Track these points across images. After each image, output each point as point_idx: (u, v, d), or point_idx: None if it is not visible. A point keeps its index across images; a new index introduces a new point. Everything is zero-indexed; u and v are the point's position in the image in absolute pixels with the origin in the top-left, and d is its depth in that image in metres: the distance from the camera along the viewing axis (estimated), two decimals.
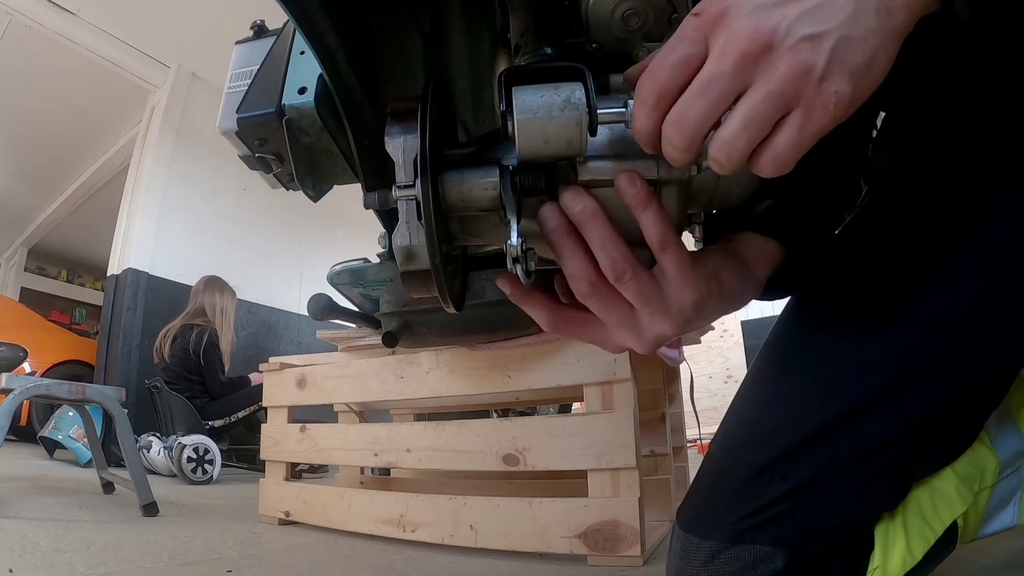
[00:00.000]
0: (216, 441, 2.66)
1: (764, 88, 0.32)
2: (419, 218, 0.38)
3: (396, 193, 0.38)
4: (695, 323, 0.43)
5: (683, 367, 1.57)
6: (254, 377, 3.07)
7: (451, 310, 0.43)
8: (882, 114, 0.56)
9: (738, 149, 0.33)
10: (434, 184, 0.37)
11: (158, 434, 2.74)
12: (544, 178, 0.39)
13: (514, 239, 0.37)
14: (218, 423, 2.91)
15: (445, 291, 0.40)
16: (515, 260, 0.38)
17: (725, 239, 0.48)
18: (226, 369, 3.04)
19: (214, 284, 3.21)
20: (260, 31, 0.80)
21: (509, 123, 0.36)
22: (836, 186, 0.55)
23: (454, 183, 0.39)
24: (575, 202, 0.39)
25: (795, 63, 0.31)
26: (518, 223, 0.38)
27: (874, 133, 0.58)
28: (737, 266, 0.45)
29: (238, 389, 3.03)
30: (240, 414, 2.99)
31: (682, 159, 0.34)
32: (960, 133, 0.49)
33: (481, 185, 0.39)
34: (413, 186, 0.37)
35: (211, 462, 2.48)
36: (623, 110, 0.36)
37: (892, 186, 0.55)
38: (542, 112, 0.35)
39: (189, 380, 2.93)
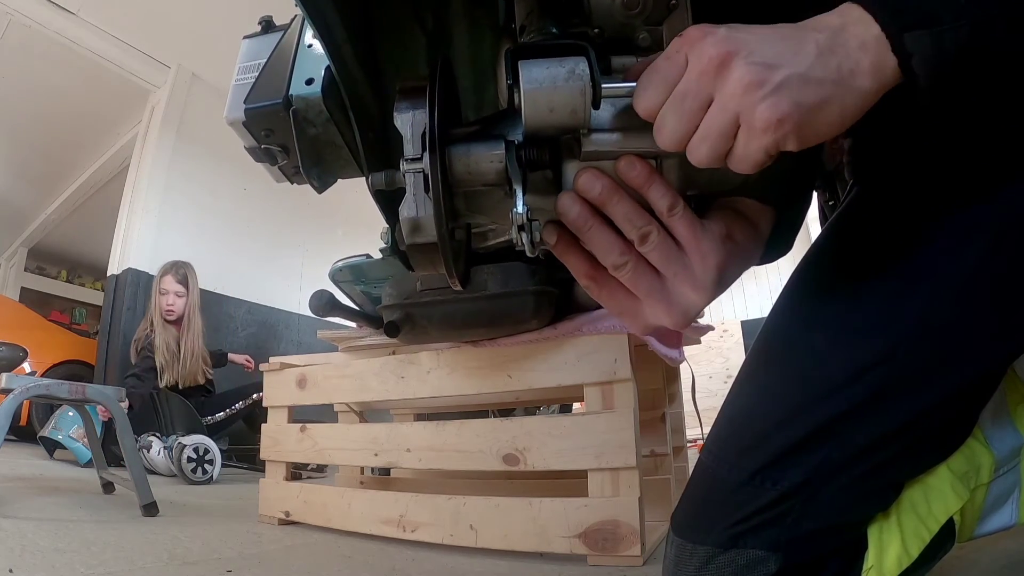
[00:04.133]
0: (216, 439, 2.66)
1: (718, 101, 0.36)
2: (426, 190, 0.38)
3: (404, 167, 0.39)
4: (720, 288, 0.45)
5: (683, 367, 1.56)
6: (232, 356, 3.27)
7: (456, 286, 0.44)
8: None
9: (703, 154, 0.37)
10: (442, 156, 0.38)
11: (158, 434, 2.74)
12: (548, 151, 0.40)
13: (519, 207, 0.38)
14: (219, 416, 2.92)
15: (451, 264, 0.41)
16: (520, 228, 0.38)
17: (721, 203, 0.49)
18: (154, 377, 2.96)
19: (158, 276, 3.13)
20: (268, 26, 0.80)
21: (516, 95, 0.38)
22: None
23: (461, 156, 0.40)
24: (593, 185, 0.41)
25: (745, 79, 0.35)
26: (524, 193, 0.38)
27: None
28: (745, 222, 0.47)
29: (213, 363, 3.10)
30: (238, 405, 3.00)
31: (672, 151, 0.39)
32: (946, 136, 0.49)
33: (487, 158, 0.40)
34: (421, 159, 0.38)
35: (211, 462, 2.48)
36: (625, 85, 0.38)
37: (878, 182, 0.55)
38: (547, 82, 0.37)
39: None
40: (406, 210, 0.39)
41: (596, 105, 0.37)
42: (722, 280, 0.44)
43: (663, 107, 0.37)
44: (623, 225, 0.42)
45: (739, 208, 0.48)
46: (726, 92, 0.35)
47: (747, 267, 0.48)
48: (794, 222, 0.52)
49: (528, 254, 0.40)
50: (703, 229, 0.43)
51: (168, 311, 2.99)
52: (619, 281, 0.45)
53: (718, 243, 0.43)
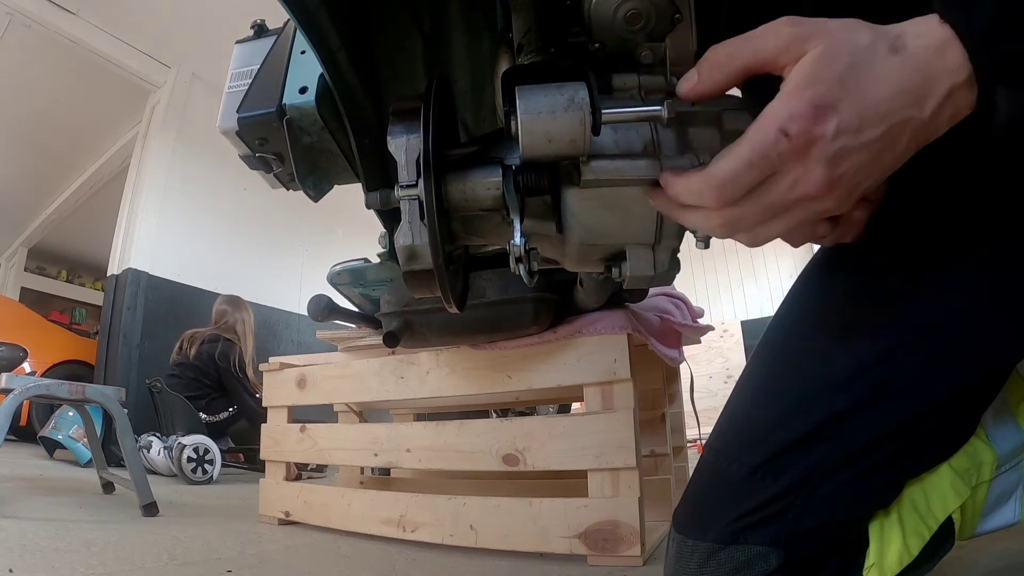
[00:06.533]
0: (219, 438, 2.67)
1: (817, 208, 0.37)
2: (422, 218, 0.37)
3: (399, 193, 0.38)
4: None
5: (683, 367, 1.56)
6: None
7: (453, 310, 0.43)
8: None
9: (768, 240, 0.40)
10: (437, 184, 0.37)
11: (158, 434, 2.74)
12: (547, 178, 0.39)
13: (517, 239, 0.37)
14: (223, 415, 2.95)
15: (448, 291, 0.40)
16: (518, 260, 0.38)
17: None
18: (250, 376, 3.08)
19: (239, 303, 3.35)
20: (260, 31, 0.80)
21: (513, 123, 0.36)
22: None
23: (457, 183, 0.39)
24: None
25: (828, 204, 0.36)
26: (521, 222, 0.38)
27: None
28: None
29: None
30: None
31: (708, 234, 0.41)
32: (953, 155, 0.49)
33: (484, 184, 0.39)
34: (416, 186, 0.37)
35: (211, 462, 2.48)
36: (627, 110, 0.37)
37: (887, 189, 0.55)
38: (546, 112, 0.35)
39: (200, 383, 2.97)
40: (402, 238, 0.38)
41: (596, 132, 0.36)
42: None
43: (748, 204, 0.37)
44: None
45: None
46: (808, 210, 0.37)
47: None
48: None
49: (527, 283, 0.40)
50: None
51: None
52: None
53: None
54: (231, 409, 3.00)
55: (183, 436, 2.55)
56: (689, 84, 0.39)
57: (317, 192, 0.73)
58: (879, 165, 0.36)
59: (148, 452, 2.58)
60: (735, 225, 0.38)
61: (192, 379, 2.96)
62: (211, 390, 3.00)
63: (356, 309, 1.22)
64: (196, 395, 2.91)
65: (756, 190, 0.36)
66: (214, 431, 2.81)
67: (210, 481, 2.46)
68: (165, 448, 2.57)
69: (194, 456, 2.44)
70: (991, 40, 0.33)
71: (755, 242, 0.39)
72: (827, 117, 0.34)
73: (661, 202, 0.40)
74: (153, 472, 2.51)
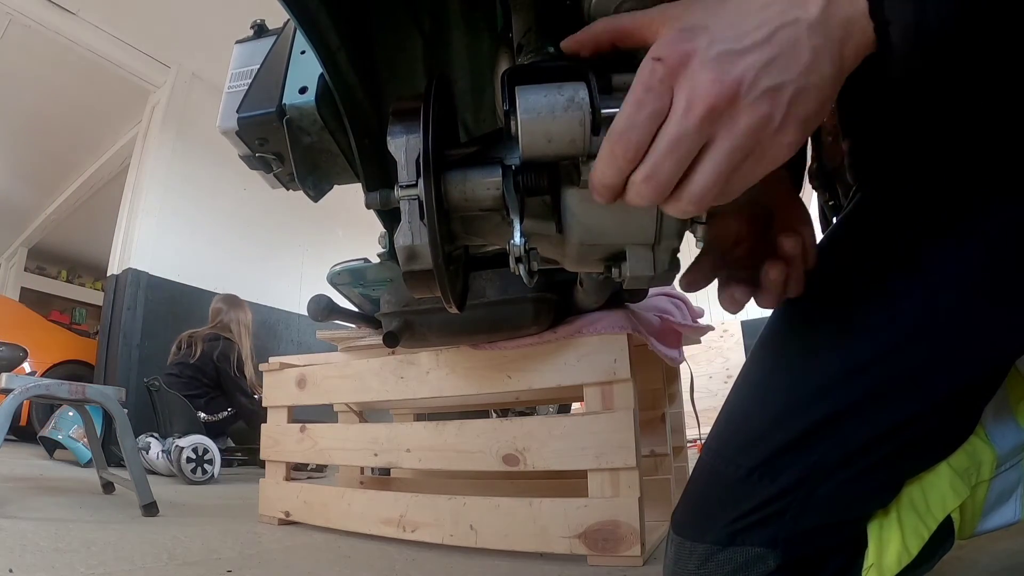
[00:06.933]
0: (218, 438, 2.68)
1: (727, 143, 0.33)
2: (422, 218, 0.37)
3: (398, 193, 0.38)
4: None
5: (683, 367, 1.56)
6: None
7: (453, 310, 0.43)
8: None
9: (707, 200, 0.35)
10: (437, 184, 0.37)
11: (156, 435, 2.74)
12: (547, 178, 0.39)
13: (517, 239, 0.37)
14: (222, 414, 2.95)
15: (447, 291, 0.40)
16: (518, 260, 0.38)
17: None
18: (248, 376, 3.08)
19: (234, 302, 3.34)
20: (260, 31, 0.80)
21: (512, 123, 0.36)
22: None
23: (457, 183, 0.39)
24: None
25: (756, 118, 0.32)
26: (521, 223, 0.38)
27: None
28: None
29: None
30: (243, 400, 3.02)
31: (649, 205, 0.36)
32: (949, 139, 0.49)
33: (484, 185, 0.39)
34: (416, 186, 0.37)
35: (210, 461, 2.48)
36: None
37: (881, 186, 0.55)
38: (545, 112, 0.35)
39: (199, 382, 2.96)
40: (402, 238, 0.38)
41: (596, 132, 0.36)
42: None
43: (655, 153, 0.34)
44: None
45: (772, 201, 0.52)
46: (737, 134, 0.33)
47: None
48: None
49: (526, 283, 0.40)
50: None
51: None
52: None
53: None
54: (230, 409, 3.00)
55: (180, 438, 2.54)
56: (569, 39, 0.40)
57: (317, 192, 0.73)
58: (794, 64, 0.32)
59: (147, 454, 2.58)
60: (656, 179, 0.34)
61: (191, 378, 2.96)
62: (209, 389, 3.00)
63: (356, 309, 1.22)
64: (195, 394, 2.91)
65: (660, 131, 0.34)
66: (213, 430, 2.81)
67: (211, 480, 2.46)
68: (163, 452, 2.57)
69: (193, 456, 2.44)
70: None
71: (694, 202, 0.35)
72: (697, 34, 0.33)
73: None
74: (153, 472, 2.51)
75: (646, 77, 0.34)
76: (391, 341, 0.98)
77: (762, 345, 0.58)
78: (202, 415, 2.87)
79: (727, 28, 0.33)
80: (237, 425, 3.06)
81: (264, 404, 1.53)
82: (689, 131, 0.33)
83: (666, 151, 0.34)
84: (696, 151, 0.34)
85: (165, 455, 2.54)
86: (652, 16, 0.37)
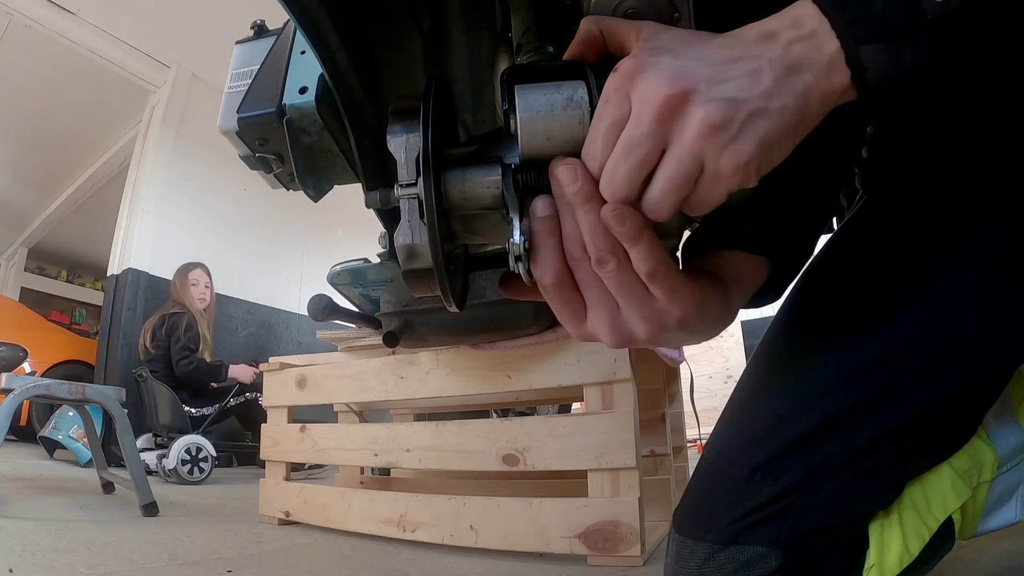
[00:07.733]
0: (206, 433, 2.68)
1: (680, 147, 0.32)
2: (421, 217, 0.37)
3: (398, 192, 0.38)
4: (670, 336, 0.40)
5: (683, 367, 1.57)
6: (233, 369, 3.05)
7: (453, 309, 0.43)
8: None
9: (665, 206, 0.34)
10: (436, 182, 0.37)
11: (155, 438, 2.74)
12: (547, 176, 0.39)
13: (516, 237, 0.37)
14: (207, 410, 2.89)
15: (447, 290, 0.40)
16: (517, 258, 0.37)
17: (712, 257, 0.47)
18: (198, 350, 2.99)
19: (185, 269, 3.25)
20: (260, 31, 0.80)
21: (512, 121, 0.36)
22: (824, 197, 0.56)
23: (456, 181, 0.39)
24: (570, 179, 0.36)
25: (709, 122, 0.31)
26: (520, 221, 0.38)
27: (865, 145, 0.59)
28: (721, 296, 0.44)
29: (210, 375, 2.99)
30: (232, 402, 2.98)
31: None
32: (956, 144, 0.50)
33: (483, 183, 0.39)
34: (415, 184, 0.37)
35: (205, 459, 2.49)
36: None
37: (888, 190, 0.55)
38: (545, 110, 0.35)
39: (172, 371, 2.92)
40: (401, 237, 0.38)
41: None
42: (681, 331, 0.40)
43: (611, 159, 0.34)
44: (586, 238, 0.37)
45: (722, 271, 0.46)
46: (687, 138, 0.32)
47: (701, 339, 0.43)
48: (790, 273, 0.51)
49: (526, 283, 0.40)
50: (681, 287, 0.38)
51: (200, 299, 3.21)
52: (575, 283, 0.39)
53: (692, 303, 0.39)
54: (216, 406, 2.95)
55: (171, 442, 2.53)
56: (568, 51, 0.41)
57: (317, 192, 0.73)
58: (754, 86, 0.32)
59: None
60: (612, 185, 0.34)
61: (165, 370, 2.90)
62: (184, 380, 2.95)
63: (356, 309, 1.22)
64: (176, 387, 2.87)
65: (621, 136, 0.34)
66: (198, 424, 2.79)
67: (207, 479, 2.47)
68: (159, 466, 2.55)
69: (187, 457, 2.44)
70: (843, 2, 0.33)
71: (652, 209, 0.34)
72: (660, 53, 0.34)
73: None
74: (152, 472, 2.52)
75: (606, 89, 0.35)
76: (391, 341, 0.98)
77: (766, 345, 0.58)
78: (187, 409, 2.82)
79: (691, 52, 0.34)
80: (227, 422, 3.04)
81: (264, 404, 1.53)
82: (641, 134, 0.33)
83: (620, 156, 0.34)
84: (654, 157, 0.33)
85: (162, 469, 2.53)
86: (631, 28, 0.38)
